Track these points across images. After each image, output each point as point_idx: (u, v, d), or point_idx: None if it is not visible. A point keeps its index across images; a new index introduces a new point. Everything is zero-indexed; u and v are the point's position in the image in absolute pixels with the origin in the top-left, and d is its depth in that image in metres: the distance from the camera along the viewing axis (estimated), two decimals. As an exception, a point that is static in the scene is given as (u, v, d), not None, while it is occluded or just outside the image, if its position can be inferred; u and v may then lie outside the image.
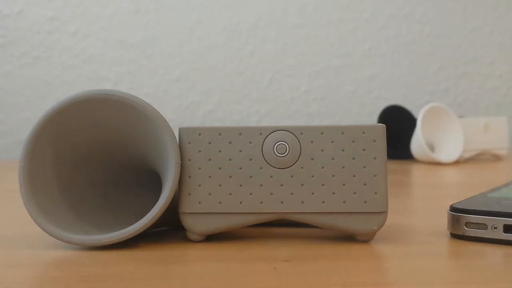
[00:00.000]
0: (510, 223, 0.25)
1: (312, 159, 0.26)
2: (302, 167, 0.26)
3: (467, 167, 0.77)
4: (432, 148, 0.87)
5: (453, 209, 0.27)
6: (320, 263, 0.23)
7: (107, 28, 1.11)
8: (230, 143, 0.26)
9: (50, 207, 0.26)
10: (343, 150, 0.26)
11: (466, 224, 0.26)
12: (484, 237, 0.26)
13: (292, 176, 0.26)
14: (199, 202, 0.26)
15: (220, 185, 0.26)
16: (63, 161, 0.27)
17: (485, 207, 0.27)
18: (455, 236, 0.27)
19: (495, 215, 0.25)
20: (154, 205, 0.25)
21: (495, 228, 0.25)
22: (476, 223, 0.26)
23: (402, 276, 0.21)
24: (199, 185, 0.26)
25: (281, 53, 1.15)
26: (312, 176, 0.26)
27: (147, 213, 0.25)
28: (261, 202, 0.26)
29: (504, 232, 0.25)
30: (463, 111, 1.15)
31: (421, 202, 0.44)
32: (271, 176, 0.26)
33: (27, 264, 0.23)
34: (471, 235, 0.26)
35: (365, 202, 0.26)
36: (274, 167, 0.26)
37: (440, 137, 0.87)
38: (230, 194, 0.26)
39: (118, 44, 1.11)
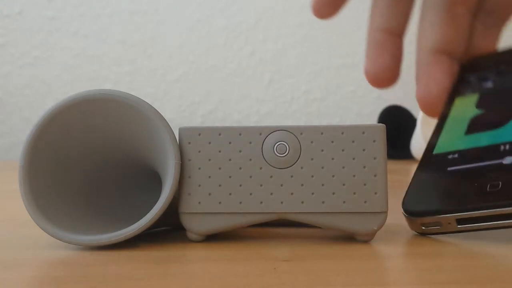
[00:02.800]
0: (462, 217, 0.25)
1: (312, 159, 0.26)
2: (302, 167, 0.26)
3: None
4: (432, 148, 0.87)
5: (405, 211, 0.27)
6: (320, 263, 0.23)
7: (107, 28, 1.11)
8: (230, 143, 0.26)
9: (50, 207, 0.26)
10: (343, 150, 0.26)
11: (422, 224, 0.27)
12: (441, 232, 0.26)
13: (292, 176, 0.26)
14: (199, 202, 0.26)
15: (220, 185, 0.26)
16: (63, 161, 0.27)
17: (437, 202, 0.27)
18: (417, 233, 0.28)
19: (446, 213, 0.25)
20: (154, 205, 0.25)
21: (449, 223, 0.26)
22: (431, 222, 0.26)
23: (402, 276, 0.21)
24: (199, 185, 0.26)
25: (281, 53, 1.15)
26: (312, 176, 0.26)
27: (147, 213, 0.25)
28: (261, 202, 0.26)
29: (458, 225, 0.25)
30: (463, 111, 1.14)
31: (421, 202, 0.44)
32: (271, 176, 0.26)
33: (27, 264, 0.23)
34: (429, 232, 0.27)
35: (365, 202, 0.26)
36: (274, 167, 0.26)
37: (440, 137, 0.87)
38: (230, 194, 0.26)
39: (118, 44, 1.11)
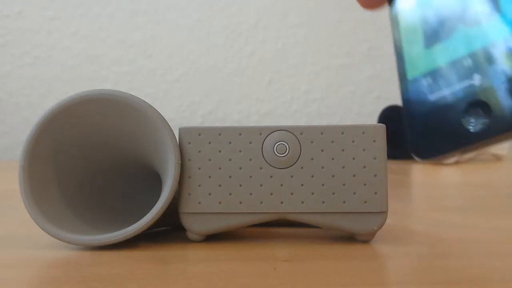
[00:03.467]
0: (466, 150, 0.24)
1: (312, 159, 0.26)
2: (302, 167, 0.26)
3: (467, 167, 0.77)
4: (432, 148, 0.87)
5: (415, 155, 0.26)
6: (320, 263, 0.23)
7: (107, 28, 1.11)
8: (230, 143, 0.26)
9: (50, 207, 0.26)
10: (343, 150, 0.26)
11: (432, 162, 0.26)
12: (447, 159, 0.26)
13: (292, 176, 0.26)
14: (199, 202, 0.26)
15: (220, 185, 0.26)
16: (63, 161, 0.27)
17: (441, 142, 0.26)
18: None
19: (452, 151, 0.25)
20: (154, 205, 0.25)
21: (454, 155, 0.25)
22: (440, 158, 0.26)
23: (402, 276, 0.21)
24: (199, 185, 0.26)
25: (281, 53, 1.15)
26: (312, 176, 0.26)
27: (147, 213, 0.25)
28: (261, 202, 0.26)
29: (462, 154, 0.25)
30: (463, 111, 1.14)
31: (421, 202, 0.44)
32: (271, 176, 0.26)
33: (27, 264, 0.23)
34: (436, 163, 0.26)
35: (365, 202, 0.26)
36: (274, 167, 0.26)
37: (440, 137, 0.87)
38: (230, 194, 0.26)
39: (118, 44, 1.11)
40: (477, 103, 0.24)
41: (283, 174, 0.26)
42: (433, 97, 0.27)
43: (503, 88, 0.24)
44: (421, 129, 0.28)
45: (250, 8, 1.14)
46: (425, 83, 0.27)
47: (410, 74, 0.29)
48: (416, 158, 0.27)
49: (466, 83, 0.25)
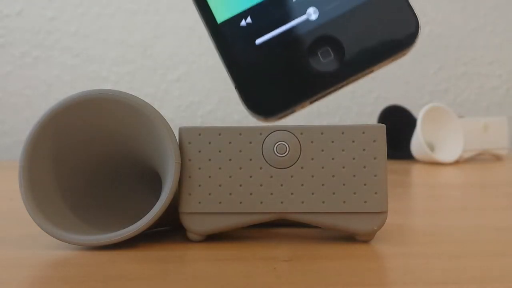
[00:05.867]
0: (315, 99, 0.23)
1: (312, 159, 0.26)
2: (302, 167, 0.26)
3: (467, 167, 0.77)
4: (432, 148, 0.87)
5: (259, 113, 0.23)
6: (320, 263, 0.23)
7: (107, 28, 1.11)
8: (230, 143, 0.26)
9: (50, 207, 0.26)
10: (343, 150, 0.26)
11: (279, 118, 0.24)
12: (295, 112, 0.25)
13: (292, 176, 0.26)
14: (199, 202, 0.26)
15: (220, 185, 0.26)
16: (63, 161, 0.27)
17: (285, 95, 0.22)
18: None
19: (301, 102, 0.22)
20: (154, 205, 0.25)
21: (303, 106, 0.24)
22: (288, 114, 0.25)
23: (402, 276, 0.21)
24: (199, 185, 0.26)
25: (281, 53, 1.15)
26: (312, 176, 0.26)
27: (147, 213, 0.25)
28: (261, 202, 0.26)
29: (310, 103, 0.24)
30: (463, 111, 1.15)
31: (421, 202, 0.44)
32: (271, 176, 0.26)
33: (27, 264, 0.23)
34: (283, 117, 0.25)
35: (365, 202, 0.26)
36: (274, 167, 0.26)
37: (440, 137, 0.87)
38: (230, 194, 0.26)
39: (118, 44, 1.11)
40: (320, 41, 0.20)
41: (283, 174, 0.26)
42: (260, 41, 0.21)
43: (351, 18, 0.19)
44: (256, 81, 0.22)
45: (250, 8, 1.14)
46: (243, 26, 0.22)
47: (220, 17, 0.22)
48: (258, 118, 0.23)
49: (299, 21, 0.20)
